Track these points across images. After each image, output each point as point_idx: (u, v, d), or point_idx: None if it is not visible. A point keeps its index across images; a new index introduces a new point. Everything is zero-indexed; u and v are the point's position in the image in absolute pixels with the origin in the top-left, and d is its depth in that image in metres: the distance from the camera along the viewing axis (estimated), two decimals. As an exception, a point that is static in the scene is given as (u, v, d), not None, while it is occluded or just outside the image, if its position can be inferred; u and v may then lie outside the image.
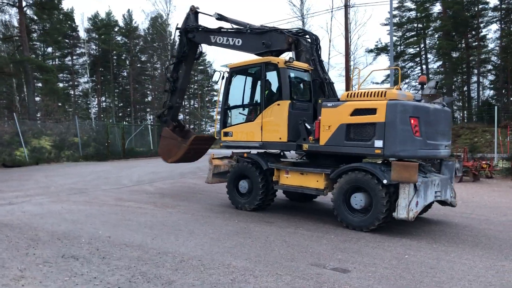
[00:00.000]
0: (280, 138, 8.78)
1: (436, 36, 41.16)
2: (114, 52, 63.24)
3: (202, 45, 11.80)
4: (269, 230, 7.72)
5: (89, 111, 60.21)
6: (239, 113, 9.83)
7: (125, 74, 67.59)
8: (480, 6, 37.65)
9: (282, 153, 10.12)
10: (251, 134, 9.28)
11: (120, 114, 66.88)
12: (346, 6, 20.69)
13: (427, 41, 42.16)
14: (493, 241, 7.21)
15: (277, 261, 5.85)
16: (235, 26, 10.86)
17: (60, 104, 53.87)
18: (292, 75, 9.08)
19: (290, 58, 9.07)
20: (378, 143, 7.30)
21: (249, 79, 9.81)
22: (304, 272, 5.41)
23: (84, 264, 5.62)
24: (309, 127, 8.45)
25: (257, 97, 9.50)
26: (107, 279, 5.07)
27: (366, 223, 7.55)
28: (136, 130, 29.01)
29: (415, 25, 43.52)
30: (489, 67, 41.03)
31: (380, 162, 8.24)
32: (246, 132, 9.42)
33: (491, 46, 38.93)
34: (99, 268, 5.46)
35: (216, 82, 9.94)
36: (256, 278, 5.19)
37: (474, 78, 41.44)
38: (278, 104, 8.79)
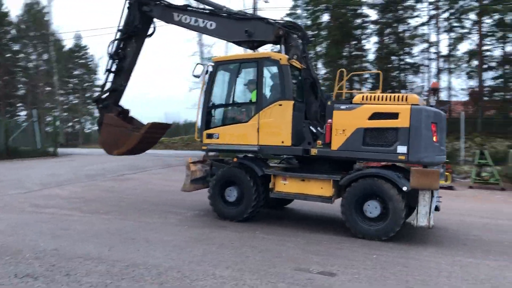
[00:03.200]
0: (282, 142, 7.98)
1: (324, 44, 43.71)
2: (-20, 39, 56.39)
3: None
4: (228, 235, 7.45)
5: None
6: (227, 113, 8.86)
7: (-8, 64, 60.56)
8: (362, 19, 40.82)
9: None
10: (244, 137, 8.30)
11: (-18, 108, 59.63)
12: (255, 10, 20.99)
13: (317, 49, 44.55)
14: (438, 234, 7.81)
15: (260, 268, 5.64)
16: (206, 7, 9.66)
17: None
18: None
19: (293, 55, 8.51)
20: (402, 149, 7.04)
21: (240, 75, 8.82)
22: (294, 278, 5.30)
23: (50, 284, 4.88)
24: (314, 130, 8.04)
25: (251, 95, 8.58)
26: (89, 300, 4.44)
27: (383, 232, 7.23)
28: (19, 127, 25.97)
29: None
30: (367, 75, 44.70)
31: (386, 166, 7.94)
32: (237, 134, 8.41)
33: (370, 56, 42.41)
34: (71, 287, 4.77)
35: (198, 77, 8.80)
36: (253, 287, 4.96)
37: (356, 86, 44.79)
38: (280, 105, 8.01)
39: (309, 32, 46.32)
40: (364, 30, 41.41)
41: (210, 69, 8.75)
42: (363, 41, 43.80)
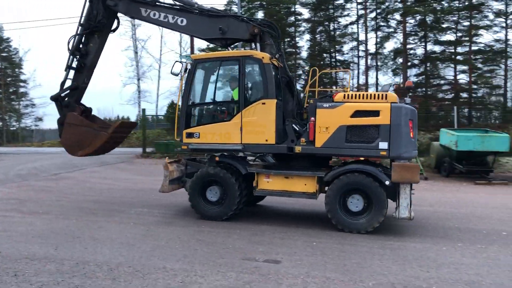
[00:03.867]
0: (266, 140, 8.01)
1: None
2: None
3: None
4: (174, 230, 7.62)
5: None
6: (208, 111, 8.82)
7: None
8: (295, 17, 41.86)
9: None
10: (227, 136, 8.23)
11: None
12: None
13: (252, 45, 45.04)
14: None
15: (209, 260, 5.90)
16: (177, 3, 9.29)
17: None
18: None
19: (276, 53, 8.54)
20: (383, 145, 7.34)
21: (220, 73, 8.69)
22: (242, 267, 5.62)
23: (-2, 285, 4.84)
24: (297, 128, 8.17)
25: (232, 94, 8.57)
26: (43, 298, 4.49)
27: (366, 225, 7.53)
28: None
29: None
30: (300, 72, 45.98)
31: (359, 161, 8.10)
32: (219, 133, 8.32)
33: (304, 53, 43.58)
34: (21, 287, 4.77)
35: (177, 75, 8.54)
36: (204, 277, 5.21)
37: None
38: (263, 103, 8.02)
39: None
40: (298, 28, 42.45)
41: (189, 67, 8.60)
42: (296, 39, 44.83)
